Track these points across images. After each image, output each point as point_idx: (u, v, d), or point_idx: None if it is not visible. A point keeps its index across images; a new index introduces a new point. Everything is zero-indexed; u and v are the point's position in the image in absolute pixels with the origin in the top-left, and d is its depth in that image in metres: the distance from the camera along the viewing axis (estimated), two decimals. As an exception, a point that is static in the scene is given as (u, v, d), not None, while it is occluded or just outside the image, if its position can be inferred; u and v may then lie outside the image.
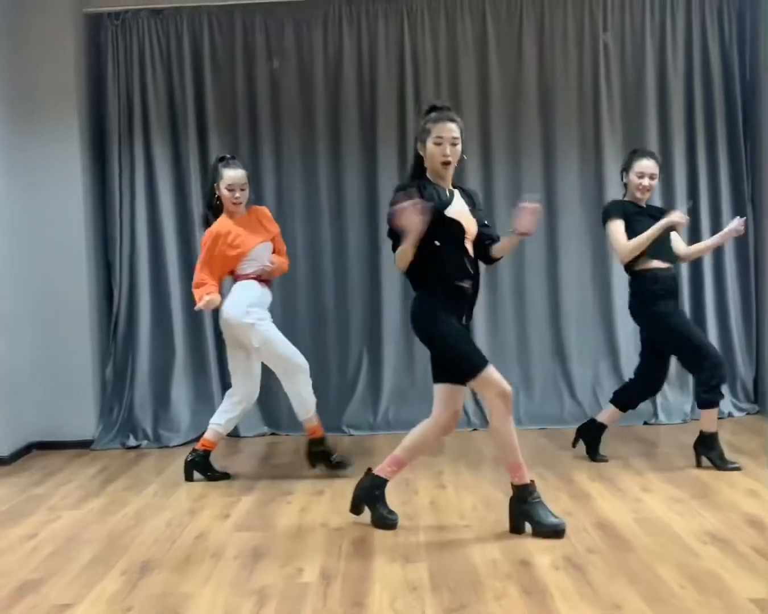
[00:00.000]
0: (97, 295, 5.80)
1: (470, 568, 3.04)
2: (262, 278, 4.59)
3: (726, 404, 5.73)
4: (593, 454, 4.65)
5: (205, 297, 4.41)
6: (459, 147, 3.47)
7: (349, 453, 4.90)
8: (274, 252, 4.67)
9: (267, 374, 4.74)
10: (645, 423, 5.65)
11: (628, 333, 5.70)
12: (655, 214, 4.49)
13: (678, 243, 4.59)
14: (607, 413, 4.72)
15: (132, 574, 3.15)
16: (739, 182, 5.78)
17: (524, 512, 3.39)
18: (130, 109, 5.78)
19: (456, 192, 3.56)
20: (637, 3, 5.76)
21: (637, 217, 4.44)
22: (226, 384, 5.73)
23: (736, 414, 5.74)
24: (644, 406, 5.61)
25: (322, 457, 4.60)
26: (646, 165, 4.42)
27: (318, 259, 5.87)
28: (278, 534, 3.59)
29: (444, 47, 5.78)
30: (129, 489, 4.49)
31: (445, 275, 3.44)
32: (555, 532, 3.31)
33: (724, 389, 4.56)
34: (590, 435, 4.69)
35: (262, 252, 4.56)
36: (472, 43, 5.78)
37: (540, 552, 3.15)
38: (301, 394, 4.52)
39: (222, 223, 4.49)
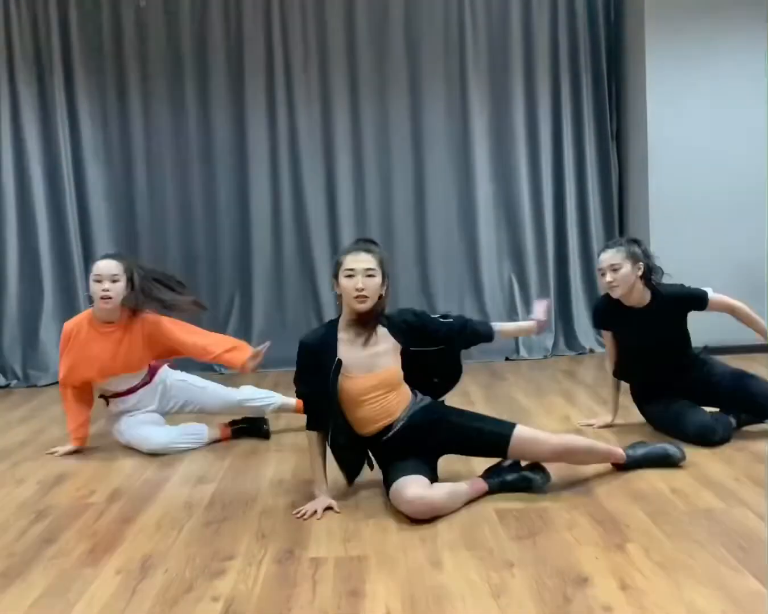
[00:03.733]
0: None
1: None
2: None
3: (589, 340, 5.91)
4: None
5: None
6: (377, 279, 2.89)
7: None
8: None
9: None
10: (506, 358, 5.80)
11: (492, 270, 5.84)
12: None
13: None
14: None
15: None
16: (604, 122, 5.88)
17: None
18: (-6, 50, 5.76)
19: (381, 335, 2.96)
20: (501, -57, 5.81)
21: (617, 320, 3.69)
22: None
23: (598, 349, 5.90)
24: (506, 342, 5.79)
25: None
26: (603, 258, 3.58)
27: (188, 202, 5.91)
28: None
29: (311, -12, 5.80)
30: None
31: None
32: None
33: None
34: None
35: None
36: (340, -15, 5.81)
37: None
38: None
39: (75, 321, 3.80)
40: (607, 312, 3.69)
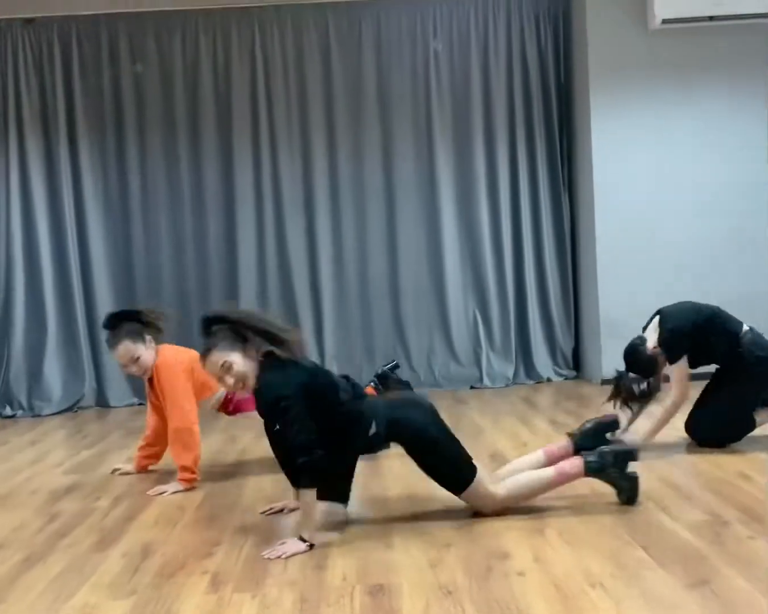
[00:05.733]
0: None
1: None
2: None
3: (547, 370, 6.47)
4: None
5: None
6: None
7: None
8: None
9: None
10: (471, 387, 6.34)
11: (458, 306, 6.42)
12: None
13: None
14: None
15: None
16: (556, 171, 6.48)
17: None
18: (5, 111, 6.34)
19: None
20: (463, 12, 6.44)
21: None
22: (96, 359, 6.36)
23: (555, 378, 6.46)
24: (471, 371, 6.36)
25: None
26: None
27: (180, 247, 6.46)
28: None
29: (292, 54, 6.41)
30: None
31: None
32: None
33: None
34: None
35: None
36: (317, 50, 6.42)
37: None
38: None
39: None
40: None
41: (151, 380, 3.93)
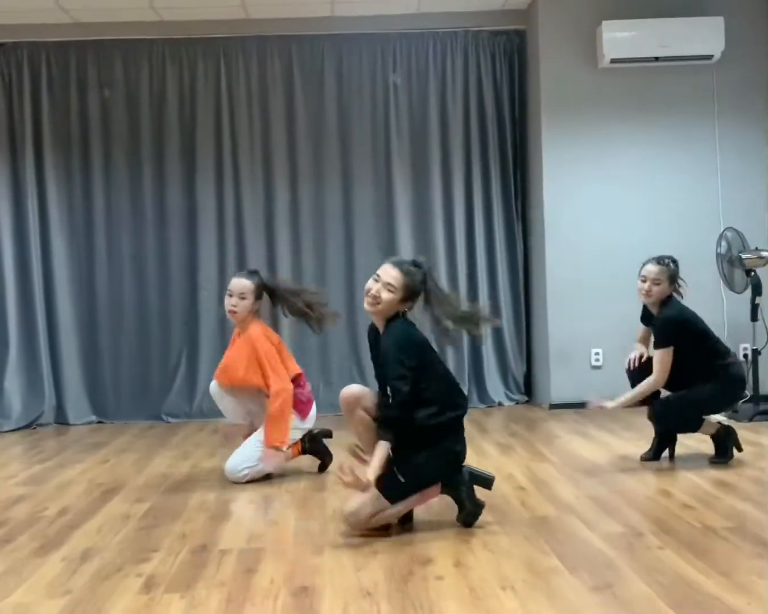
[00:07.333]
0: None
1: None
2: None
3: (499, 394, 6.64)
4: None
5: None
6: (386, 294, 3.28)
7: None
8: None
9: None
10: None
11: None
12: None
13: None
14: None
15: None
16: (510, 202, 6.70)
17: None
18: (-28, 131, 6.48)
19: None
20: (422, 47, 6.67)
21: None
22: (57, 376, 6.46)
23: (507, 403, 6.63)
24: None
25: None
26: (650, 269, 4.27)
27: (143, 265, 6.59)
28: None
29: (256, 84, 6.62)
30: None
31: None
32: None
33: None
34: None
35: None
36: (281, 80, 6.63)
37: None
38: None
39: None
40: (648, 315, 4.42)
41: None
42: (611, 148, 6.31)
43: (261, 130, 6.62)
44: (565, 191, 6.31)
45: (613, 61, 6.17)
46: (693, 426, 4.32)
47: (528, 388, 6.77)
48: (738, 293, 5.87)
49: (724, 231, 5.87)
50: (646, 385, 4.23)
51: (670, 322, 4.25)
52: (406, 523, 3.35)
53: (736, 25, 6.16)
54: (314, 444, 4.43)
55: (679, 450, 4.47)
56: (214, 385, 4.41)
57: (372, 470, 3.15)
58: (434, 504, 3.49)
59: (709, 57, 6.19)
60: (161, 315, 6.59)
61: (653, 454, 4.40)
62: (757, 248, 5.82)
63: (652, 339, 4.33)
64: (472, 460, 4.56)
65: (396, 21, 6.59)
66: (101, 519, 3.60)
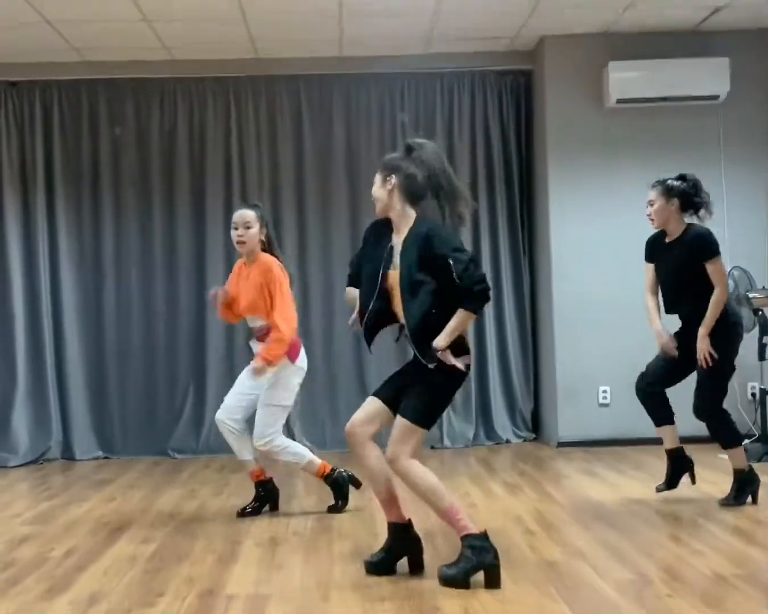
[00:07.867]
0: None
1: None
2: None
3: (506, 431, 6.62)
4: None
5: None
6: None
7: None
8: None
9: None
10: (432, 447, 6.47)
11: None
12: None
13: None
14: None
15: None
16: (516, 239, 6.73)
17: None
18: (-14, 168, 6.55)
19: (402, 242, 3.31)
20: (429, 87, 6.75)
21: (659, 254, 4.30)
22: (64, 412, 6.48)
23: (514, 440, 6.61)
24: (432, 431, 6.47)
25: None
26: (648, 194, 4.25)
27: (151, 302, 6.62)
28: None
29: (265, 123, 6.69)
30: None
31: None
32: None
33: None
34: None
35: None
36: (289, 118, 6.71)
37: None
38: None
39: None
40: (653, 246, 4.28)
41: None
42: (618, 187, 6.33)
43: (270, 168, 6.68)
44: (572, 229, 6.33)
45: (619, 101, 6.22)
46: (723, 393, 4.22)
47: (535, 425, 6.75)
48: (746, 332, 5.86)
49: (731, 269, 5.86)
50: (714, 305, 4.05)
51: (708, 234, 4.12)
52: (415, 570, 3.33)
53: (741, 66, 6.22)
54: (338, 485, 4.39)
55: (688, 492, 4.45)
56: (220, 413, 4.39)
57: (445, 335, 3.10)
58: (443, 551, 3.48)
59: (716, 97, 6.25)
60: (168, 351, 6.60)
61: (668, 483, 4.33)
62: (764, 287, 5.84)
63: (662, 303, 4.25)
64: (480, 501, 4.59)
65: (404, 61, 6.67)
66: (108, 561, 3.60)
